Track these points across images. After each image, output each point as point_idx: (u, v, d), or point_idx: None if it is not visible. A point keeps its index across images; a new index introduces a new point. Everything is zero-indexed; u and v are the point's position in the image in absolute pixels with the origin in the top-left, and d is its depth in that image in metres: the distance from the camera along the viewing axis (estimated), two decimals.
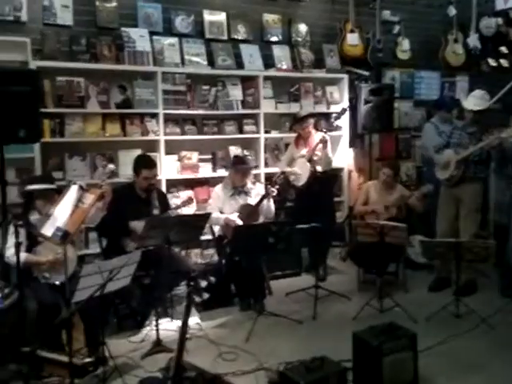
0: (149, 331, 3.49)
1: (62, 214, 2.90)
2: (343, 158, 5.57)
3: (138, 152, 4.51)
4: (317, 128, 4.97)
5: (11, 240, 2.91)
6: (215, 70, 4.91)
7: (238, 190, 4.23)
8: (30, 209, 3.22)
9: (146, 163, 3.75)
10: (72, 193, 3.02)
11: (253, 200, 4.20)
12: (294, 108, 5.24)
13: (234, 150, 5.06)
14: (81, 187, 3.02)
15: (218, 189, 4.29)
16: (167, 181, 4.69)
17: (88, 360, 2.90)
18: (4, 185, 3.18)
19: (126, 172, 4.41)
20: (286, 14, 5.46)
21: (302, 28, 5.54)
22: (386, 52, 5.93)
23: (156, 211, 3.74)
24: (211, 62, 4.92)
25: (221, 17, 5.09)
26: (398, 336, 2.73)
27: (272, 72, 5.17)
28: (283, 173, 4.46)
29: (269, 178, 4.86)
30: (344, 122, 5.45)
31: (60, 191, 3.18)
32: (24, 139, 3.38)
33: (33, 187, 3.17)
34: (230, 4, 5.12)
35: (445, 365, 3.06)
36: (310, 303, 3.93)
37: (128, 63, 4.48)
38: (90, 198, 2.97)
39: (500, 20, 6.60)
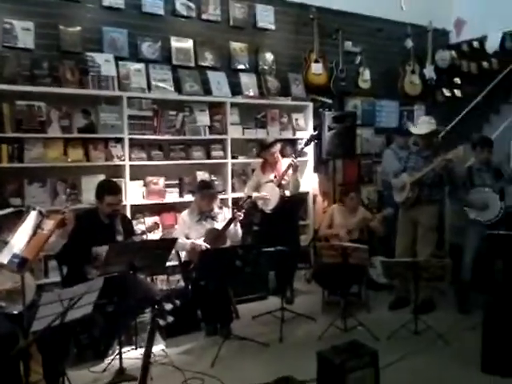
0: (112, 360, 3.34)
1: (19, 240, 2.76)
2: (308, 182, 5.63)
3: (102, 177, 4.41)
4: (283, 154, 5.02)
5: None
6: (182, 95, 4.91)
7: (205, 215, 4.18)
8: None
9: (109, 189, 3.65)
10: (31, 218, 2.89)
11: (219, 224, 4.16)
12: (260, 134, 5.29)
13: (202, 175, 5.04)
14: (40, 213, 2.90)
15: (185, 214, 4.24)
16: (132, 206, 4.60)
17: None
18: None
19: (89, 198, 4.29)
20: (253, 42, 5.57)
21: (269, 57, 5.66)
22: (349, 81, 6.13)
23: (120, 237, 3.63)
24: (178, 88, 4.93)
25: (188, 44, 5.14)
26: (360, 354, 2.73)
27: (239, 99, 5.23)
28: (249, 197, 4.47)
29: (236, 203, 4.87)
30: (309, 148, 5.54)
31: (19, 216, 3.05)
32: None
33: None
34: (197, 31, 5.18)
35: (405, 380, 3.14)
36: (276, 326, 3.90)
37: (92, 88, 4.42)
38: (49, 223, 2.85)
39: (454, 53, 6.97)
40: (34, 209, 2.99)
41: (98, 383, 3.10)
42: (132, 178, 4.62)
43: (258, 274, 4.62)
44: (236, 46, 5.47)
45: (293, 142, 5.58)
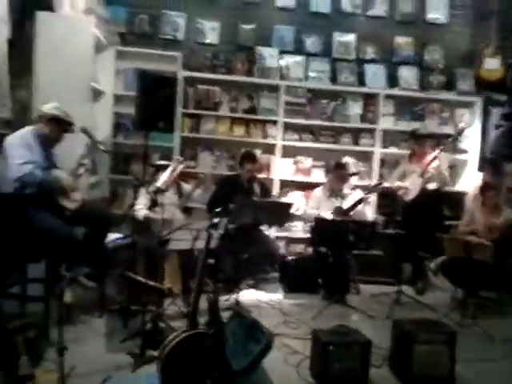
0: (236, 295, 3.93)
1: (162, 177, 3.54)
2: (468, 181, 5.35)
3: (258, 153, 5.15)
4: (433, 147, 4.94)
5: (140, 200, 3.70)
6: (336, 85, 5.30)
7: (335, 193, 4.50)
8: (155, 179, 4.01)
9: (249, 158, 4.32)
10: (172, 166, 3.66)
11: (348, 204, 4.42)
12: (415, 126, 5.27)
13: (349, 161, 5.34)
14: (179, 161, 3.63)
15: (318, 190, 4.64)
16: (281, 181, 5.20)
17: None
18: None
19: None
20: (421, 36, 5.58)
21: (436, 50, 5.58)
22: None
23: (256, 198, 4.26)
24: (333, 79, 5.34)
25: (350, 38, 5.49)
26: (436, 330, 2.71)
27: (395, 91, 5.34)
28: (380, 183, 4.57)
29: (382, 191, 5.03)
30: (472, 145, 5.33)
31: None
32: (162, 129, 4.26)
33: (159, 162, 3.97)
34: (361, 27, 5.49)
35: None
36: (392, 307, 3.94)
37: (257, 76, 5.18)
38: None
39: None
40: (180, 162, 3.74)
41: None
42: (283, 156, 5.22)
43: (392, 261, 4.70)
44: (401, 40, 5.57)
45: (451, 138, 5.38)
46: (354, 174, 4.79)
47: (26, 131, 2.97)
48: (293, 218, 4.16)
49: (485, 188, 4.42)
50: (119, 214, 3.78)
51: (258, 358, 2.35)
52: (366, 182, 5.23)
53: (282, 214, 3.91)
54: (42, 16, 3.88)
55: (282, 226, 4.59)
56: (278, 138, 5.18)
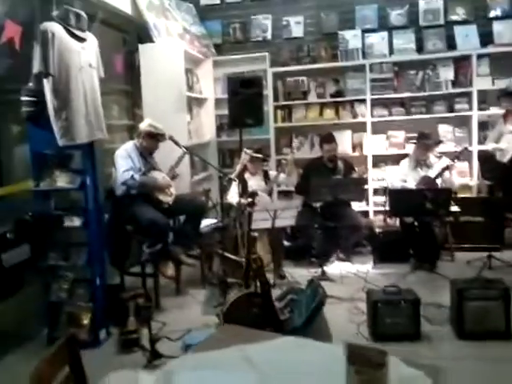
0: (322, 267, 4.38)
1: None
2: None
3: (349, 132, 5.46)
4: None
5: (233, 189, 4.38)
6: (423, 55, 5.28)
7: (421, 163, 4.59)
8: (244, 170, 4.63)
9: (325, 139, 4.69)
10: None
11: (434, 173, 4.49)
12: None
13: (445, 128, 5.31)
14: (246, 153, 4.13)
15: (404, 161, 4.76)
16: (374, 156, 5.41)
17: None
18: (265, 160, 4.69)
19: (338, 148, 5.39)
20: None
21: None
22: None
23: (339, 176, 4.61)
24: (420, 48, 5.32)
25: (437, 3, 5.38)
26: (489, 287, 2.82)
27: (489, 49, 5.11)
28: (466, 148, 4.51)
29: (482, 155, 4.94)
30: None
31: (265, 160, 4.51)
32: (252, 125, 4.88)
33: (248, 151, 4.53)
34: None
35: None
36: (488, 272, 3.98)
37: (341, 60, 5.45)
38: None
39: None
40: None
41: (305, 278, 4.21)
42: (375, 132, 5.42)
43: (493, 226, 4.63)
44: None
45: None
46: (438, 143, 4.78)
47: (129, 144, 3.80)
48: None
49: None
50: (217, 203, 4.45)
51: (312, 314, 2.81)
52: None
53: (356, 190, 4.22)
54: (142, 48, 4.77)
55: (360, 201, 4.83)
56: (366, 115, 5.39)
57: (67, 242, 3.03)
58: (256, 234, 3.24)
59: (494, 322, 2.80)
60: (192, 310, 3.64)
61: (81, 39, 2.97)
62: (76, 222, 2.96)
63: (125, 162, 3.61)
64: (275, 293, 3.19)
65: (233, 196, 4.29)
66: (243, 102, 4.71)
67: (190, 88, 5.09)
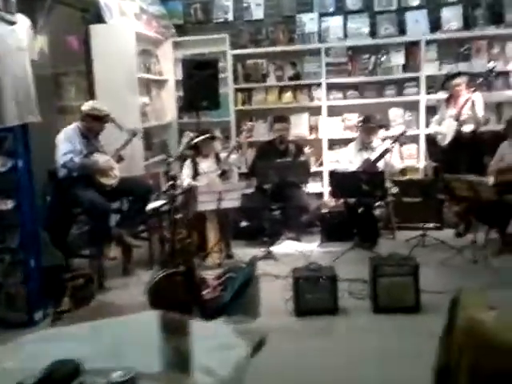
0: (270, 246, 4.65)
1: None
2: None
3: (307, 115, 5.68)
4: (470, 87, 4.90)
5: (185, 170, 4.61)
6: (376, 39, 5.46)
7: (365, 146, 4.84)
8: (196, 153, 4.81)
9: (277, 118, 4.92)
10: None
11: (375, 155, 4.75)
12: (461, 68, 5.21)
13: (395, 112, 5.55)
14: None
15: (351, 144, 5.02)
16: (329, 140, 5.64)
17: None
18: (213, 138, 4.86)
19: (295, 131, 5.61)
20: None
21: None
22: None
23: (290, 158, 4.85)
24: (373, 33, 5.49)
25: None
26: (401, 264, 3.13)
27: (437, 35, 5.30)
28: (404, 132, 4.77)
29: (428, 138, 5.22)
30: None
31: (214, 138, 4.72)
32: (207, 107, 5.07)
33: (196, 139, 4.72)
34: None
35: None
36: (420, 249, 4.29)
37: (298, 43, 5.60)
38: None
39: None
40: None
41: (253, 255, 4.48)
42: (331, 115, 5.63)
43: (432, 206, 4.93)
44: None
45: (506, 74, 5.22)
46: (381, 126, 5.02)
47: (71, 127, 3.88)
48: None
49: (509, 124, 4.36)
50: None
51: (238, 289, 3.09)
52: (414, 131, 5.42)
53: (300, 172, 4.47)
54: (93, 29, 4.85)
55: (305, 183, 5.08)
56: (322, 99, 5.59)
57: (0, 225, 3.14)
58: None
59: (404, 297, 3.11)
60: (135, 290, 3.72)
61: (10, 22, 3.04)
62: (9, 204, 3.08)
63: (64, 145, 3.73)
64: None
65: (185, 178, 4.52)
66: (198, 84, 4.90)
67: (148, 69, 5.22)
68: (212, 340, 1.28)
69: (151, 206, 4.30)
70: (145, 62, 5.13)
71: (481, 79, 4.72)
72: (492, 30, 5.18)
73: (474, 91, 4.62)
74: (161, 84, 5.71)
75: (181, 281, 2.90)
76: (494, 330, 1.11)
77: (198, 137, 4.37)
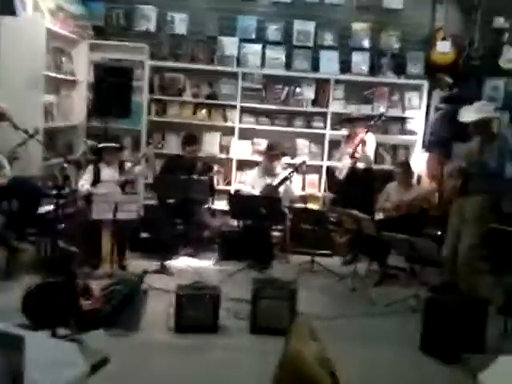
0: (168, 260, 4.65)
1: None
2: (415, 162, 5.68)
3: (219, 135, 5.80)
4: (367, 129, 5.29)
5: (85, 175, 4.50)
6: (291, 71, 5.75)
7: (268, 172, 5.06)
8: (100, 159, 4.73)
9: (188, 141, 5.06)
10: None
11: (275, 182, 4.98)
12: (364, 110, 5.65)
13: (302, 142, 5.85)
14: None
15: (255, 169, 5.23)
16: (238, 161, 5.80)
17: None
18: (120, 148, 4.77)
19: (206, 148, 5.71)
20: (378, 22, 5.84)
21: (391, 35, 5.82)
22: (486, 60, 5.69)
23: (195, 176, 4.92)
24: (288, 65, 5.78)
25: (309, 26, 5.86)
26: (279, 287, 3.31)
27: (346, 76, 5.71)
28: (304, 162, 5.08)
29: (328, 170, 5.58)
30: (418, 127, 5.65)
31: (120, 149, 4.67)
32: (115, 115, 5.00)
33: (102, 145, 4.67)
34: (320, 14, 5.82)
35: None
36: (308, 274, 4.59)
37: (217, 64, 5.74)
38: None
39: None
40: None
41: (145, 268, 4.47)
42: (241, 138, 5.80)
43: (324, 235, 5.23)
44: (358, 26, 5.86)
45: (402, 120, 5.73)
46: (284, 154, 5.29)
47: None
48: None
49: (400, 167, 4.81)
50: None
51: (120, 303, 3.09)
52: (318, 162, 5.74)
53: (201, 190, 4.57)
54: (4, 20, 4.65)
55: (205, 202, 5.19)
56: (235, 121, 5.75)
57: None
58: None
59: (280, 320, 3.27)
60: (14, 295, 3.60)
61: None
62: None
63: None
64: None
65: (83, 184, 4.42)
66: (108, 90, 4.85)
67: (58, 68, 5.07)
68: (48, 356, 1.30)
69: (43, 208, 4.16)
70: (55, 61, 4.97)
71: (372, 122, 5.13)
72: (394, 79, 5.68)
73: (367, 132, 5.03)
74: (72, 84, 5.55)
75: (58, 290, 2.83)
76: (308, 361, 1.25)
77: (101, 143, 4.32)
